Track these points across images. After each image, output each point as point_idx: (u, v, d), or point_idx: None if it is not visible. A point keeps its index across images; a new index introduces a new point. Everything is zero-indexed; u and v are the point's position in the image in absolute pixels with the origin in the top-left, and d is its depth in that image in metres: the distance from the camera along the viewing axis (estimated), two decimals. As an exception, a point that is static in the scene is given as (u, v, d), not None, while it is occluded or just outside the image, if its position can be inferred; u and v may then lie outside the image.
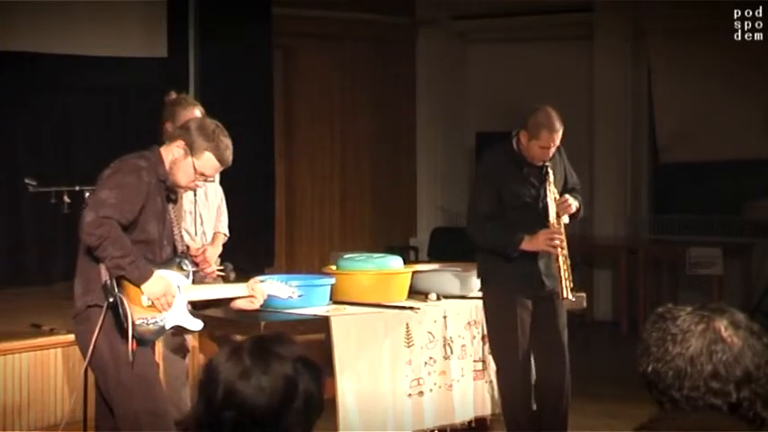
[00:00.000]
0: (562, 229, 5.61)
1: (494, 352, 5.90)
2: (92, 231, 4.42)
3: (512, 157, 5.69)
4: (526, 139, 5.61)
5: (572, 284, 5.62)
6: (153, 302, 4.55)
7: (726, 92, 10.48)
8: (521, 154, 5.66)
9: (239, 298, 4.85)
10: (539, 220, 5.65)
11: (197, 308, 4.84)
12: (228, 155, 4.69)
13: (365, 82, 11.56)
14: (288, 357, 2.25)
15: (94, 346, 4.51)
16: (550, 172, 5.64)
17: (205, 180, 4.81)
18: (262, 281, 4.92)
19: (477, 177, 5.99)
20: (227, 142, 4.68)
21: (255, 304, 4.86)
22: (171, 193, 4.75)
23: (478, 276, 5.93)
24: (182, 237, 4.88)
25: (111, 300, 4.46)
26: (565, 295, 5.59)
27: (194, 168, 4.64)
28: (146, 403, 4.57)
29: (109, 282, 4.46)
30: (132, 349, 4.51)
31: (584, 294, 6.59)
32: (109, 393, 4.62)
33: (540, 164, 5.64)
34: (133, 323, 4.51)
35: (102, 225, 4.41)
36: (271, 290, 4.92)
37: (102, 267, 4.48)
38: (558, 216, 5.63)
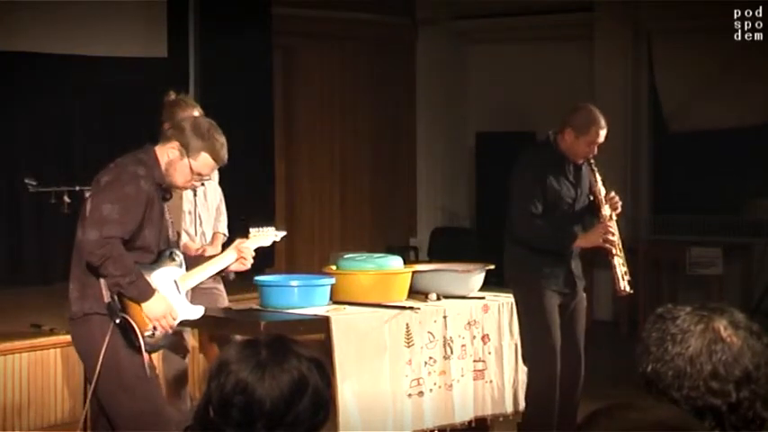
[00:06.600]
0: (614, 224, 5.65)
1: (527, 348, 5.94)
2: (95, 251, 4.39)
3: (554, 157, 5.71)
4: (572, 137, 5.63)
5: (629, 276, 5.70)
6: (153, 324, 4.53)
7: (726, 87, 10.47)
8: (562, 153, 5.68)
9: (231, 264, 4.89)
10: (575, 220, 5.76)
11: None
12: (224, 153, 4.66)
13: (365, 82, 11.55)
14: (303, 356, 2.31)
15: (97, 354, 4.49)
16: (594, 166, 5.68)
17: (201, 179, 4.80)
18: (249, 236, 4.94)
19: (517, 179, 5.79)
20: (222, 140, 4.66)
21: (247, 264, 4.88)
22: (166, 193, 4.74)
23: (508, 274, 5.94)
24: (176, 234, 4.88)
25: (117, 321, 4.46)
26: (622, 287, 5.70)
27: (191, 169, 4.61)
28: (146, 402, 4.57)
29: (112, 302, 4.45)
30: (148, 362, 4.53)
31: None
32: (109, 395, 4.60)
33: (581, 162, 5.68)
34: (143, 338, 4.51)
35: (105, 245, 4.38)
36: (255, 244, 4.93)
37: (103, 283, 4.47)
38: (611, 209, 5.66)
